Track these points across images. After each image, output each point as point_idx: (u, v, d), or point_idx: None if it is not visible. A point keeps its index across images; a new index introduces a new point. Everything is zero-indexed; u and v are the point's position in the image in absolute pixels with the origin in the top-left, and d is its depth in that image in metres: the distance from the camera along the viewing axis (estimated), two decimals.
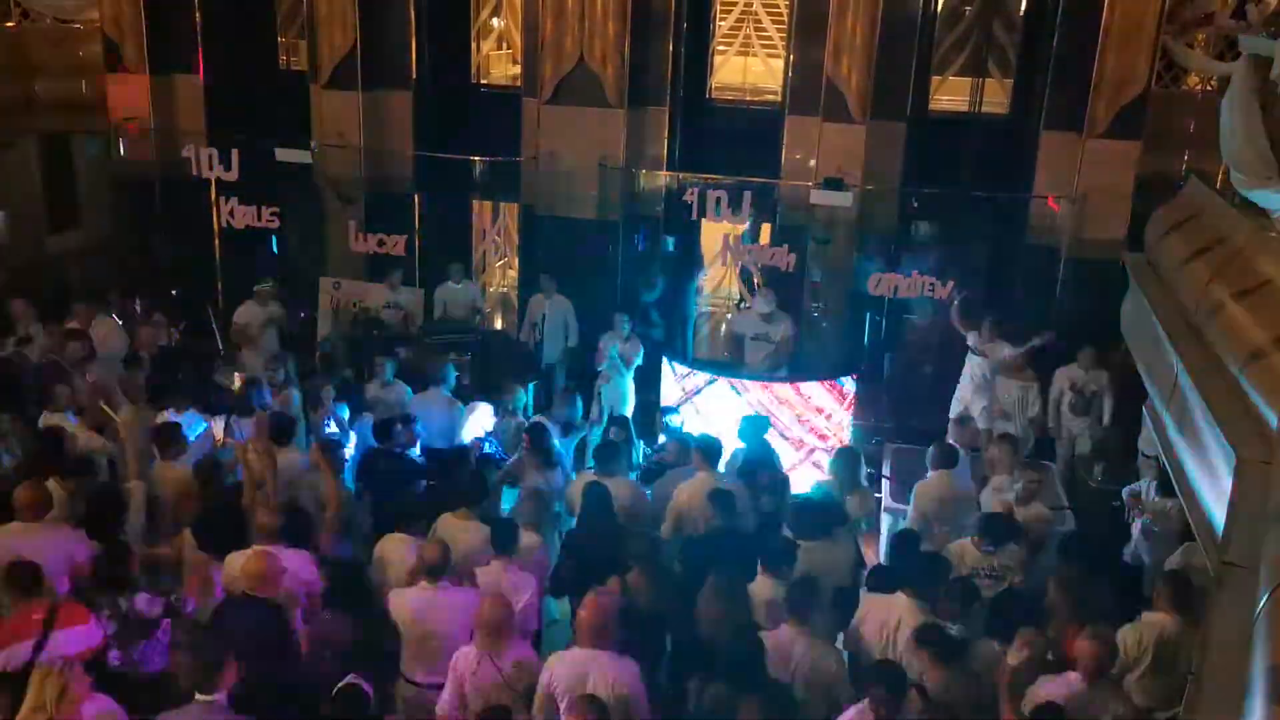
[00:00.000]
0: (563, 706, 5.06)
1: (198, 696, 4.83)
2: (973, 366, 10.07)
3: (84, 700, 4.80)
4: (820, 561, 6.33)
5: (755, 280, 12.19)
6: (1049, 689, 5.14)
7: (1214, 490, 4.78)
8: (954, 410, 10.10)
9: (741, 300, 13.08)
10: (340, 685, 4.92)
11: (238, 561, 5.94)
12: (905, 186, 11.39)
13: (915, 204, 11.48)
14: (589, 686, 5.04)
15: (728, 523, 6.68)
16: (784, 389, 9.28)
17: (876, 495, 8.78)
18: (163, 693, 5.26)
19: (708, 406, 9.29)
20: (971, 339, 10.03)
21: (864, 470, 7.98)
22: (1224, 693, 4.15)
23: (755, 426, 8.32)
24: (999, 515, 6.86)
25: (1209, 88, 11.33)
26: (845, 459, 7.80)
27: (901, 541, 6.84)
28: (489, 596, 5.60)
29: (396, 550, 6.44)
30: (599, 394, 10.34)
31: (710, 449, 7.59)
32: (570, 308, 11.16)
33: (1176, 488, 5.87)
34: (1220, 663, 4.23)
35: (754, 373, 9.85)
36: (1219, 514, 4.56)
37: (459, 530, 6.57)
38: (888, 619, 5.82)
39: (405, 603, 5.85)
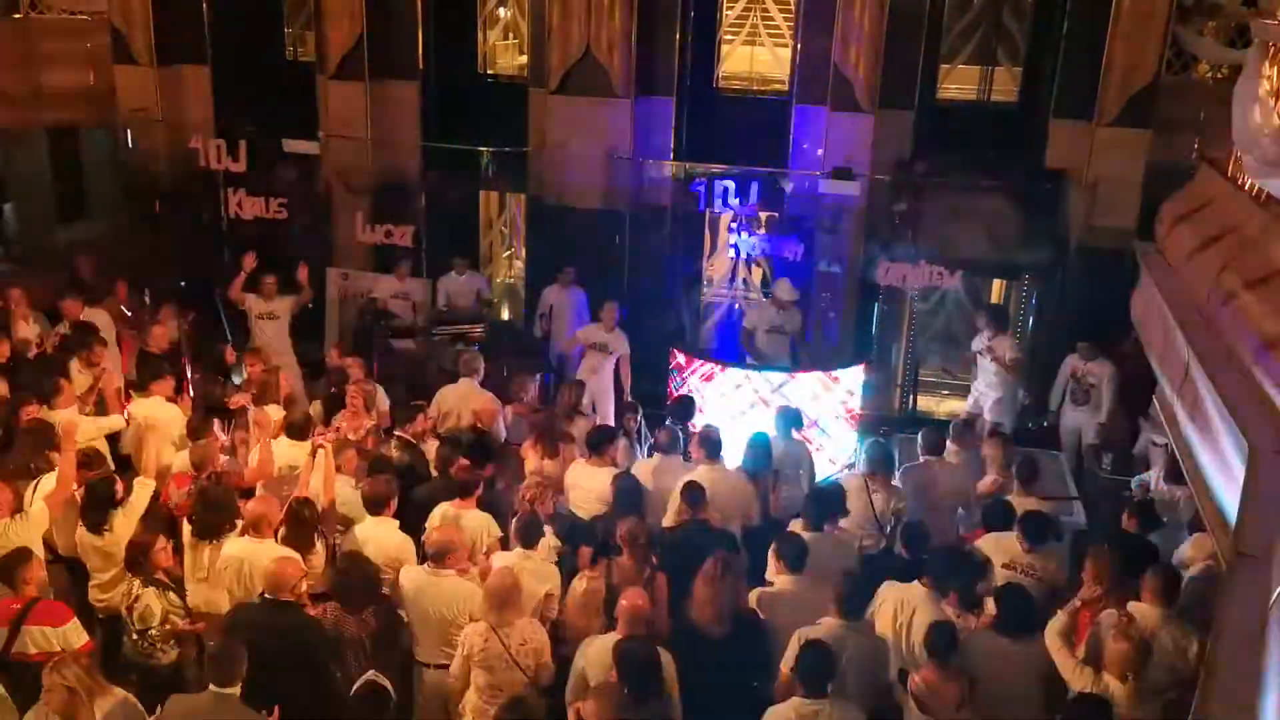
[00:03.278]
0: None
1: (212, 688, 4.86)
2: (984, 364, 10.04)
3: (97, 694, 4.81)
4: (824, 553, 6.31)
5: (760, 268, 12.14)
6: None
7: (1226, 479, 4.75)
8: (967, 406, 10.09)
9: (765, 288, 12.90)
10: (359, 683, 4.92)
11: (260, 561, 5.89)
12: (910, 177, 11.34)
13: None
14: None
15: (695, 514, 6.66)
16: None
17: None
18: (177, 685, 5.26)
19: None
20: (977, 341, 10.03)
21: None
22: (1237, 683, 4.15)
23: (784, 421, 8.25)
24: (1040, 513, 6.75)
25: (1220, 75, 11.26)
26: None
27: (914, 532, 6.81)
28: (496, 569, 5.65)
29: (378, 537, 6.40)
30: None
31: (708, 440, 7.59)
32: (584, 298, 11.14)
33: (1187, 477, 5.85)
34: (1233, 653, 4.21)
35: (770, 365, 9.80)
36: (1231, 503, 4.53)
37: (458, 519, 6.53)
38: (902, 607, 5.82)
39: (406, 582, 5.92)
